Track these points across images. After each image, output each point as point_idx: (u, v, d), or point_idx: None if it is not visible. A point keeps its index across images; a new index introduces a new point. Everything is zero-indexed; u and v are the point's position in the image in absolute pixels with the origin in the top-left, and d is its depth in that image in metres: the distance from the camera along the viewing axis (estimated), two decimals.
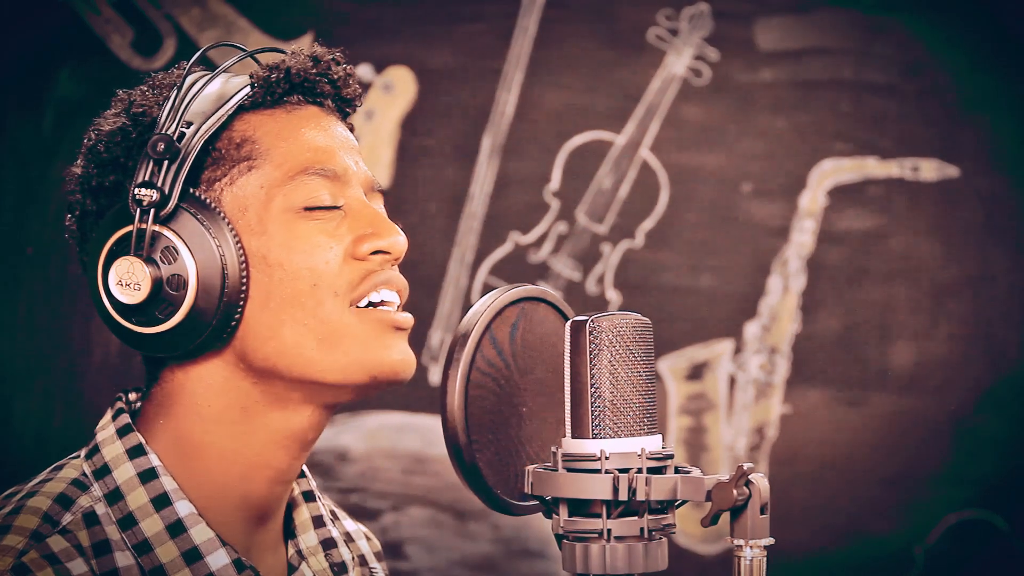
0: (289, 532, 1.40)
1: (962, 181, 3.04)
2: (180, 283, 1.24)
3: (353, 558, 1.45)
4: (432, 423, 3.00)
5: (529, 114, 3.10)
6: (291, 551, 1.39)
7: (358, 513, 2.91)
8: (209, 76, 1.29)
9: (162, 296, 1.24)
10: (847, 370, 3.05)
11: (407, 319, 1.32)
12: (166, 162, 1.24)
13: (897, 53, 3.07)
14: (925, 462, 3.02)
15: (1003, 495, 3.01)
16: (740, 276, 3.08)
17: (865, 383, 3.04)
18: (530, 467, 1.07)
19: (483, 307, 1.12)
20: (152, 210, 1.23)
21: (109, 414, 1.33)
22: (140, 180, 1.24)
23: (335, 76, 1.35)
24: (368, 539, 1.54)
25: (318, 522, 1.41)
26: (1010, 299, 3.03)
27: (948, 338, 3.04)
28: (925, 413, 3.02)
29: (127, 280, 1.24)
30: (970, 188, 3.04)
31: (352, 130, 1.39)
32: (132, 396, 1.35)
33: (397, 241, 1.31)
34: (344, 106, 1.38)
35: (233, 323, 1.26)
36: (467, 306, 3.09)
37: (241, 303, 1.26)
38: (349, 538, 1.50)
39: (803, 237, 3.07)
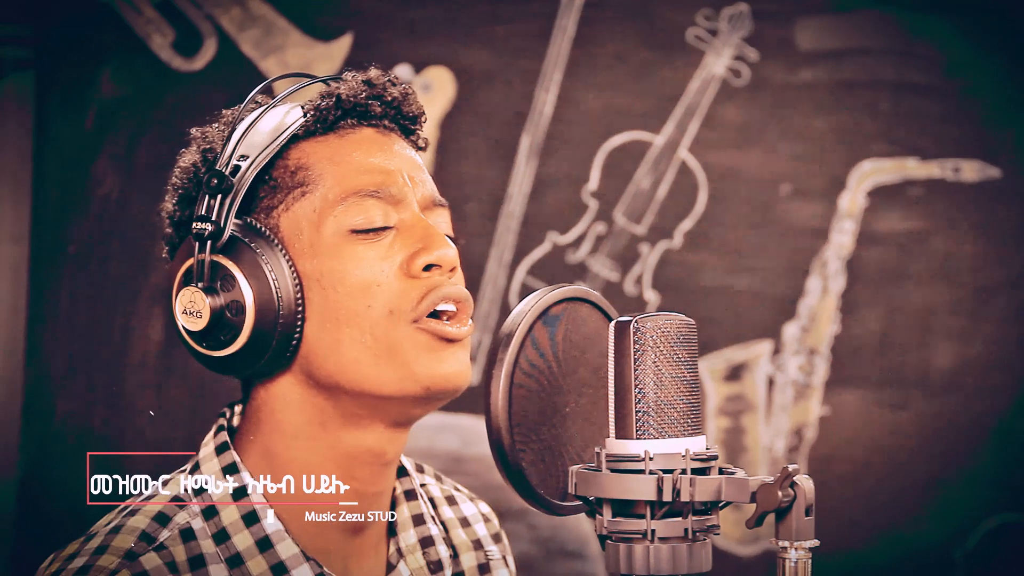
0: (393, 529, 1.45)
1: (1004, 182, 3.02)
2: (239, 308, 1.30)
3: (453, 547, 1.49)
4: (470, 423, 3.00)
5: (567, 114, 3.10)
6: (391, 548, 1.44)
7: None
8: (261, 110, 1.35)
9: (225, 321, 1.31)
10: (886, 372, 3.03)
11: (459, 331, 1.34)
12: (220, 195, 1.30)
13: (937, 53, 3.05)
14: (965, 464, 3.01)
15: None
16: (779, 277, 3.07)
17: (904, 385, 3.03)
18: (574, 467, 1.07)
19: (527, 307, 1.12)
20: (209, 241, 1.30)
21: (212, 429, 1.40)
22: (198, 214, 1.31)
23: (390, 97, 1.39)
24: (487, 521, 1.58)
25: (418, 520, 1.45)
26: None
27: (988, 339, 3.02)
28: (965, 415, 3.01)
29: (190, 309, 1.32)
30: (1012, 189, 3.02)
31: (425, 146, 1.44)
32: (237, 408, 1.42)
33: (446, 254, 1.33)
34: (407, 123, 1.42)
35: (294, 343, 1.32)
36: (505, 306, 3.09)
37: (299, 324, 1.32)
38: (465, 523, 1.54)
39: (842, 238, 3.05)
